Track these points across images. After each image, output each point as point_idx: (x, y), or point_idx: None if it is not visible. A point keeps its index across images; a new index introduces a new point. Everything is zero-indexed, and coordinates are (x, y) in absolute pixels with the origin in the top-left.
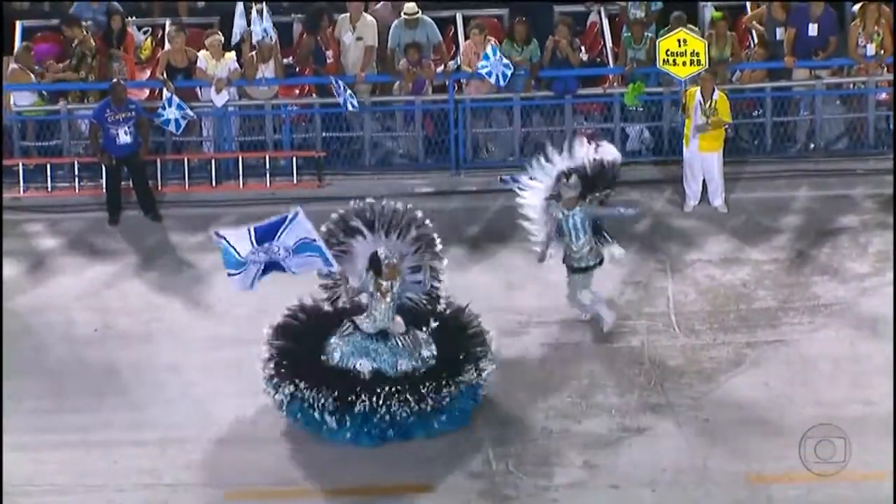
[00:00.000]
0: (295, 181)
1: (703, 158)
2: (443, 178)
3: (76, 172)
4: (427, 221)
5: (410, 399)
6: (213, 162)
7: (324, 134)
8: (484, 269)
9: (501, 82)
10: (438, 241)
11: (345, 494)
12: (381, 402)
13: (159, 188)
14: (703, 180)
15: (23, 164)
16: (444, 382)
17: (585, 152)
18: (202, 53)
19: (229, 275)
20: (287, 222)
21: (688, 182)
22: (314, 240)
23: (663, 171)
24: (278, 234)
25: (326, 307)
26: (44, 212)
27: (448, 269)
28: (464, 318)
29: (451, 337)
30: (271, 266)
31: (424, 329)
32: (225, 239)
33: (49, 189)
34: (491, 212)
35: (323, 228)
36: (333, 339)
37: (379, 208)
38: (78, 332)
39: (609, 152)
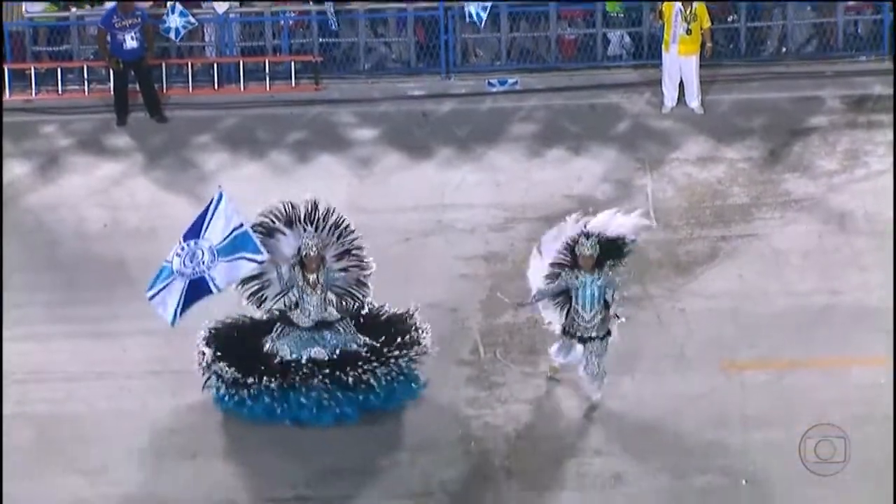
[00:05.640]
0: (293, 84)
1: (681, 62)
2: (434, 81)
3: (86, 76)
4: (339, 215)
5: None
6: (215, 66)
7: (320, 39)
8: (473, 168)
9: (483, 15)
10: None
11: None
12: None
13: (164, 91)
14: (681, 83)
15: (35, 68)
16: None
17: (605, 219)
18: None
19: (150, 297)
20: (212, 211)
21: (666, 85)
22: (241, 224)
23: (642, 75)
24: (203, 227)
25: (256, 314)
26: (55, 113)
27: (438, 168)
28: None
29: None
30: (194, 290)
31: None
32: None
33: (60, 92)
34: (480, 114)
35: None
36: (269, 343)
37: (289, 207)
38: (88, 227)
39: (619, 225)
